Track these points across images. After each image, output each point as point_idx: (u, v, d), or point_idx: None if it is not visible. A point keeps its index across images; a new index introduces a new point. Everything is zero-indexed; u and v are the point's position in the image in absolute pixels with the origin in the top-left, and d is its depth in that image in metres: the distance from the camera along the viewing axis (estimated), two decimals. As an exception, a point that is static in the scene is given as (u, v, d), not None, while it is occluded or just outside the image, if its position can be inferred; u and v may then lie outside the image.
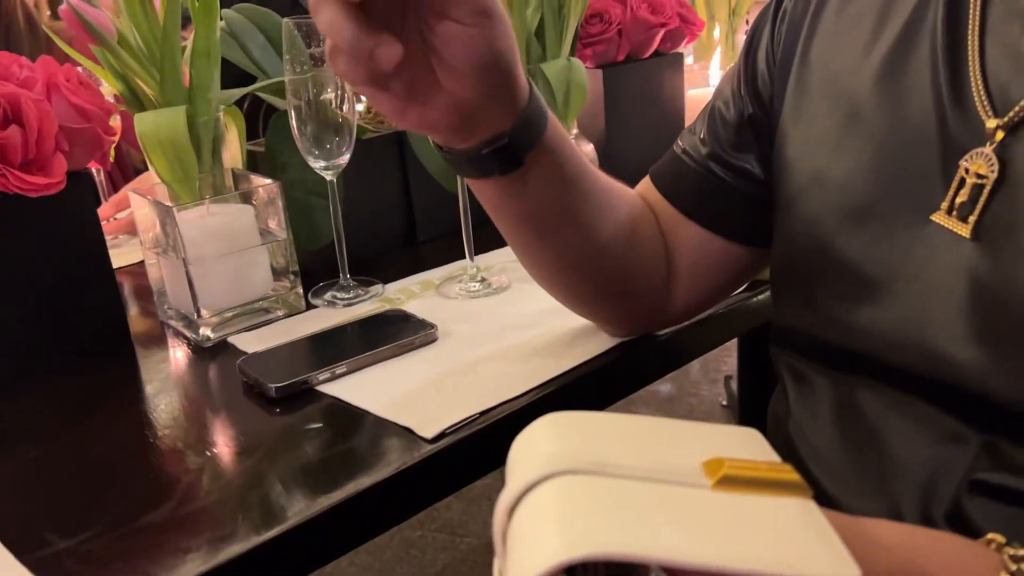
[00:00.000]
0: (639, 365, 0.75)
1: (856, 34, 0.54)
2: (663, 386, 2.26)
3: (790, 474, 0.30)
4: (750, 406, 1.59)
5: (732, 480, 0.29)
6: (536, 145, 0.55)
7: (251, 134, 0.99)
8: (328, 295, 0.85)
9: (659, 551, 0.26)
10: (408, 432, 0.61)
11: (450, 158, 0.56)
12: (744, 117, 0.62)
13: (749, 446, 0.33)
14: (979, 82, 0.47)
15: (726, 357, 2.27)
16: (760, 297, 0.83)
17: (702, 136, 0.64)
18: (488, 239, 0.93)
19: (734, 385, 2.15)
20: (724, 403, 2.16)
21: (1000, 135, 0.45)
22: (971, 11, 0.48)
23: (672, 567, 0.26)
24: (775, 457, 0.32)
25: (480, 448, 0.61)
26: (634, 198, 0.67)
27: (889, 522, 0.36)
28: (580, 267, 0.64)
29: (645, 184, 0.69)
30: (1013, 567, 0.34)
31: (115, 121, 0.86)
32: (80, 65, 0.86)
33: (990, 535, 0.36)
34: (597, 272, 0.64)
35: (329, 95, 0.78)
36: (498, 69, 0.50)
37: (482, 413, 0.63)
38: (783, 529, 0.28)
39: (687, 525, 0.28)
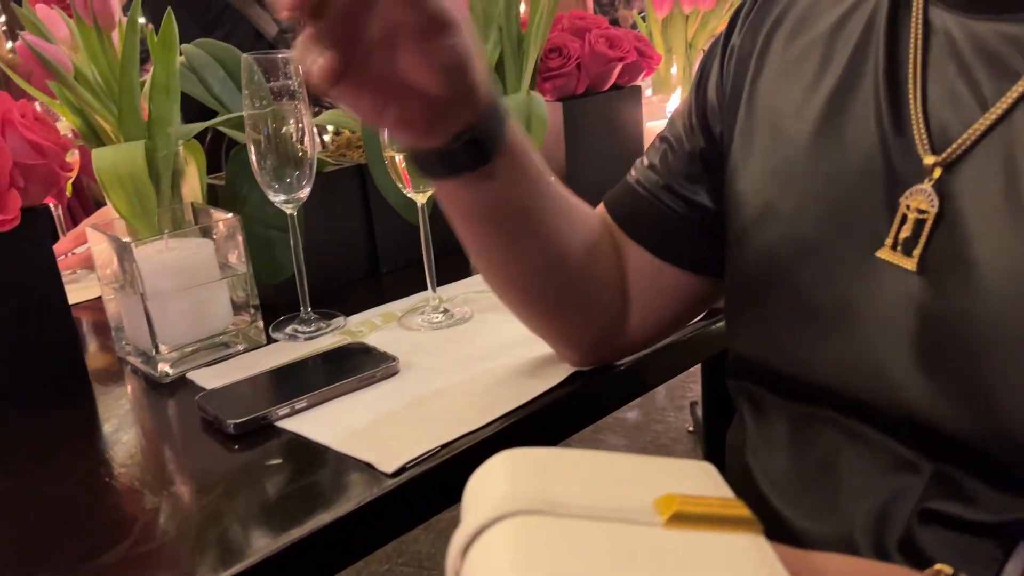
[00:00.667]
0: (602, 393, 0.75)
1: (802, 72, 0.56)
2: (630, 413, 2.26)
3: (740, 510, 0.31)
4: (714, 432, 1.60)
5: (683, 517, 0.30)
6: (502, 139, 0.56)
7: (215, 167, 0.99)
8: (289, 329, 0.85)
9: None
10: (369, 467, 0.61)
11: (422, 159, 0.57)
12: (695, 149, 0.63)
13: (702, 480, 0.33)
14: (920, 120, 0.48)
15: (691, 383, 2.28)
16: (720, 324, 0.84)
17: (654, 166, 0.66)
18: (450, 270, 0.93)
19: (699, 411, 2.17)
20: (690, 429, 2.17)
21: (938, 172, 0.47)
22: (911, 51, 0.50)
23: None
24: (728, 492, 0.33)
25: (442, 481, 0.61)
26: (595, 216, 0.68)
27: (838, 555, 0.37)
28: (541, 276, 0.65)
29: (599, 212, 0.70)
30: None
31: (72, 156, 0.85)
32: (37, 100, 0.86)
33: (938, 566, 0.36)
34: (557, 284, 0.65)
35: (289, 129, 0.79)
36: (464, 70, 0.51)
37: (444, 446, 0.63)
38: (731, 566, 0.29)
39: (636, 566, 0.28)
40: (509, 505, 0.30)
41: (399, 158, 0.79)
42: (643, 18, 1.37)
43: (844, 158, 0.51)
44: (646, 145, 1.18)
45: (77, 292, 1.02)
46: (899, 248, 0.48)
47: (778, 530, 0.52)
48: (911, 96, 0.49)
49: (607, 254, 0.67)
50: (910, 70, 0.49)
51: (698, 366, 1.46)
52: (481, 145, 0.56)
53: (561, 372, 0.72)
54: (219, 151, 1.30)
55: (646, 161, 0.67)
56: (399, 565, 1.78)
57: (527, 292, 0.67)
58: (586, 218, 0.66)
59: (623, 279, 0.67)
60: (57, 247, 1.10)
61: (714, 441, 1.61)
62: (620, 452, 0.35)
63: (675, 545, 0.29)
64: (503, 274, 0.67)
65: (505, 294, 0.69)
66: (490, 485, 0.32)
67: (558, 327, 0.70)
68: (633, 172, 0.68)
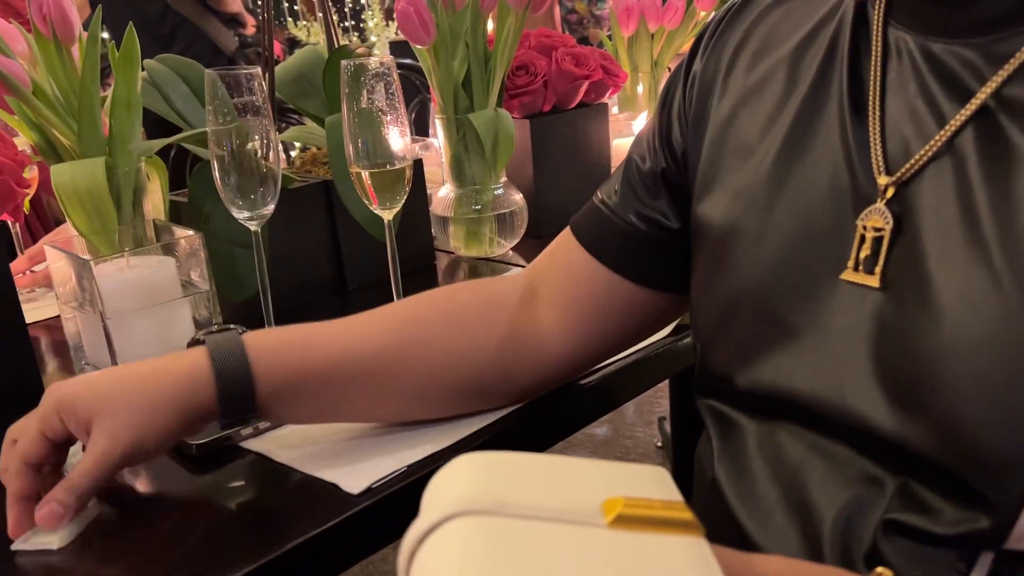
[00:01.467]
0: (571, 410, 0.75)
1: (766, 93, 0.56)
2: (599, 429, 2.26)
3: (684, 512, 0.32)
4: (682, 446, 1.60)
5: (627, 519, 0.30)
6: (254, 396, 0.59)
7: (179, 184, 0.98)
8: (254, 347, 0.84)
9: None
10: (335, 488, 0.60)
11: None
12: (658, 170, 0.63)
13: (653, 484, 0.34)
14: (877, 139, 0.49)
15: (659, 399, 2.29)
16: (687, 340, 0.84)
17: (618, 187, 0.66)
18: (417, 287, 0.92)
19: (667, 426, 2.18)
20: (659, 444, 2.18)
21: (891, 191, 0.48)
22: (872, 71, 0.51)
23: None
24: (676, 496, 0.33)
25: (409, 501, 0.60)
26: (408, 320, 0.66)
27: (776, 557, 0.37)
28: (439, 404, 0.67)
29: (565, 234, 0.69)
30: None
31: (30, 173, 0.84)
32: (-7, 116, 0.84)
33: (880, 568, 0.36)
34: (466, 394, 0.67)
35: (254, 145, 0.78)
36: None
37: (410, 466, 0.62)
38: (670, 566, 0.29)
39: (578, 566, 0.29)
40: (460, 506, 0.31)
41: (365, 174, 0.79)
42: (610, 37, 1.38)
43: (809, 179, 0.52)
44: (613, 162, 1.19)
45: (35, 311, 1.00)
46: (861, 268, 0.48)
47: (745, 545, 0.52)
48: (871, 116, 0.50)
49: (455, 332, 0.66)
50: (871, 90, 0.50)
51: (666, 381, 1.47)
52: (240, 416, 0.59)
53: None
54: (183, 167, 1.28)
55: (611, 182, 0.68)
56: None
57: (450, 400, 0.67)
58: (402, 317, 0.66)
59: (569, 300, 0.67)
60: (14, 265, 1.08)
61: (682, 456, 1.61)
62: (583, 457, 0.35)
63: (617, 545, 0.30)
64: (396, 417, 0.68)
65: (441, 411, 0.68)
66: (448, 485, 0.33)
67: (488, 396, 0.69)
68: (599, 193, 0.68)
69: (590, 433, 2.24)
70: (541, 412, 0.70)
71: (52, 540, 0.54)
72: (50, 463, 0.58)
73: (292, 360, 0.60)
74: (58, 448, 0.58)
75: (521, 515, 0.30)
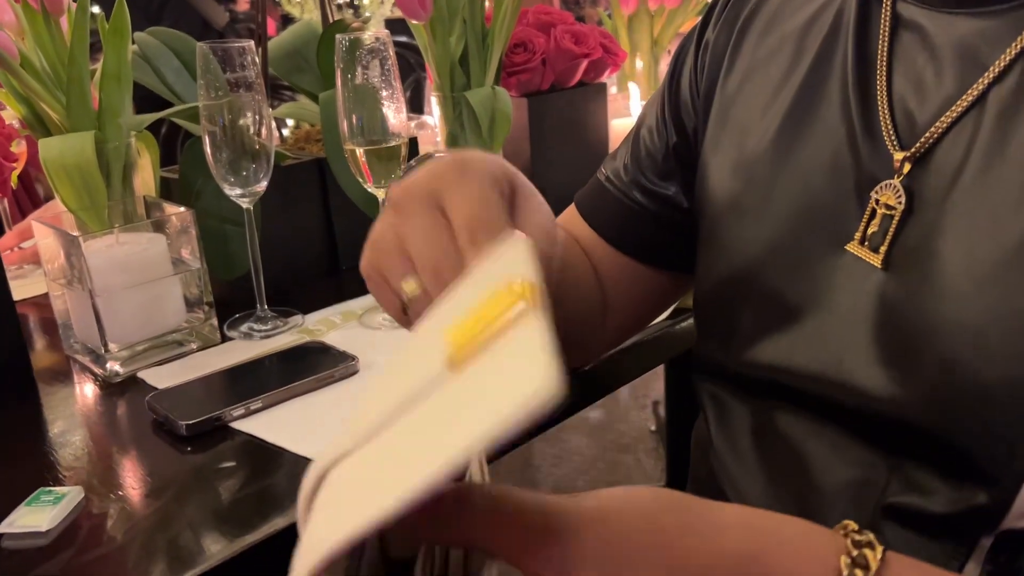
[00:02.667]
0: (568, 393, 0.74)
1: (771, 68, 0.55)
2: (593, 413, 2.26)
3: (515, 297, 0.31)
4: (677, 431, 1.60)
5: (460, 359, 0.30)
6: None
7: (170, 160, 0.96)
8: (245, 327, 0.82)
9: (361, 526, 0.27)
10: (327, 469, 0.59)
11: None
12: (668, 146, 0.62)
13: (509, 270, 0.33)
14: (887, 114, 0.48)
15: (654, 383, 2.28)
16: (684, 324, 0.83)
17: (625, 163, 0.64)
18: (412, 268, 0.92)
19: (661, 410, 2.17)
20: (652, 428, 2.17)
21: (908, 167, 0.46)
22: (880, 45, 0.49)
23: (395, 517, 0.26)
24: (530, 270, 0.32)
25: (402, 483, 0.60)
26: (564, 245, 0.63)
27: (738, 506, 0.36)
28: None
29: (570, 211, 0.68)
30: (855, 552, 0.34)
31: (18, 147, 0.82)
32: (-20, 88, 0.82)
33: (846, 521, 0.36)
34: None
35: (246, 121, 0.76)
36: None
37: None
38: (491, 388, 0.28)
39: (398, 467, 0.29)
40: (334, 451, 0.32)
41: (360, 152, 0.77)
42: (609, 16, 1.36)
43: (811, 154, 0.51)
44: (611, 142, 1.17)
45: (23, 288, 0.99)
46: (867, 243, 0.47)
47: None
48: (879, 90, 0.49)
49: (584, 274, 0.64)
50: (878, 63, 0.49)
51: (661, 366, 1.46)
52: None
53: (525, 372, 0.71)
54: (174, 143, 1.26)
55: (617, 158, 0.66)
56: (359, 567, 1.75)
57: None
58: (565, 257, 0.61)
59: (601, 287, 0.66)
60: (2, 241, 1.06)
61: (677, 440, 1.61)
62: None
63: (457, 387, 0.30)
64: None
65: None
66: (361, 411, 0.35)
67: None
68: (603, 169, 0.67)
69: (584, 417, 2.24)
70: (537, 395, 0.69)
71: (40, 523, 0.53)
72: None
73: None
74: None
75: (367, 434, 0.32)
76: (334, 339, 0.78)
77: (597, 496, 0.33)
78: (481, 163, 0.43)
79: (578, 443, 2.14)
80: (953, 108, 0.45)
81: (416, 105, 1.80)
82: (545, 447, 2.10)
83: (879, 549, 0.34)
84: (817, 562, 0.34)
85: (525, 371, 0.27)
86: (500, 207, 0.42)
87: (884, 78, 0.49)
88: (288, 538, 0.54)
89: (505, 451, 0.69)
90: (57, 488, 0.57)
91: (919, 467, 0.45)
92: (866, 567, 0.33)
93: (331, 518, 0.30)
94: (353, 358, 0.72)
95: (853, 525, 0.35)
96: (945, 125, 0.46)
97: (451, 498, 0.32)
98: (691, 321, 0.83)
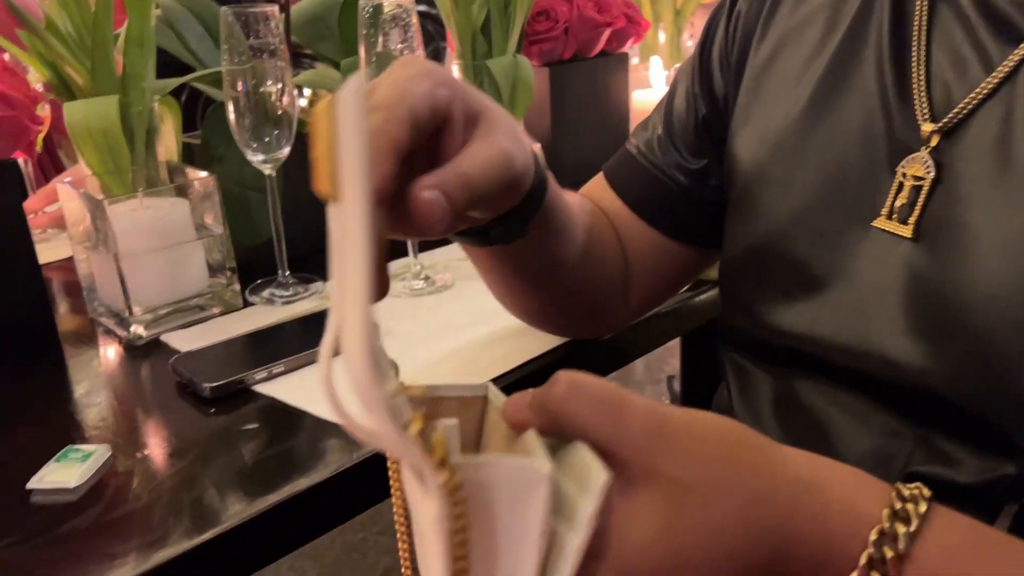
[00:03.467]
0: (583, 364, 0.74)
1: (805, 36, 0.54)
2: (607, 385, 2.27)
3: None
4: (694, 403, 1.60)
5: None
6: (538, 211, 0.51)
7: (189, 126, 0.96)
8: (266, 292, 0.83)
9: None
10: (347, 433, 0.59)
11: (455, 235, 0.52)
12: (699, 119, 0.62)
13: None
14: (921, 86, 0.48)
15: (668, 358, 2.28)
16: (703, 296, 0.83)
17: (658, 135, 0.64)
18: (432, 236, 0.92)
19: (676, 385, 2.18)
20: (667, 402, 2.18)
21: (936, 139, 0.46)
22: (916, 15, 0.49)
23: None
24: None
25: (422, 448, 0.60)
26: (592, 214, 0.64)
27: (799, 451, 0.37)
28: (550, 298, 0.62)
29: (597, 182, 0.68)
30: (898, 505, 0.35)
31: (43, 110, 0.82)
32: (5, 51, 0.82)
33: (898, 483, 0.36)
34: (561, 295, 0.62)
35: (269, 87, 0.76)
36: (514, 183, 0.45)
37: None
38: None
39: None
40: None
41: (382, 119, 0.77)
42: (631, -15, 1.35)
43: (842, 123, 0.51)
44: (632, 113, 1.17)
45: (47, 252, 1.00)
46: (895, 216, 0.47)
47: None
48: (914, 62, 0.48)
49: (610, 244, 0.64)
50: (914, 35, 0.49)
51: (676, 340, 1.46)
52: (518, 224, 0.50)
53: (544, 341, 0.71)
54: (195, 109, 1.26)
55: (648, 128, 0.65)
56: (374, 534, 1.78)
57: (533, 308, 0.65)
58: (586, 222, 0.61)
59: (625, 260, 0.66)
60: (26, 205, 1.07)
61: (691, 413, 1.61)
62: None
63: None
64: (520, 303, 0.65)
65: (509, 308, 0.67)
66: None
67: (557, 322, 0.68)
68: (633, 140, 0.66)
69: (598, 388, 2.24)
70: (553, 366, 0.70)
71: (68, 479, 0.54)
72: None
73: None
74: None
75: None
76: (354, 306, 0.79)
77: (683, 410, 0.35)
78: (437, 74, 0.40)
79: (592, 415, 2.15)
80: (987, 81, 0.45)
81: (435, 74, 1.78)
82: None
83: (922, 505, 0.35)
84: (871, 501, 0.35)
85: None
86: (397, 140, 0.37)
87: (921, 50, 0.48)
88: (310, 499, 0.55)
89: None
90: (84, 446, 0.58)
91: (946, 437, 0.45)
92: (907, 520, 0.34)
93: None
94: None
95: (905, 486, 0.36)
96: (981, 96, 0.45)
97: (565, 380, 0.33)
98: (709, 294, 0.83)
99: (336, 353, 0.29)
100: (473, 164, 0.40)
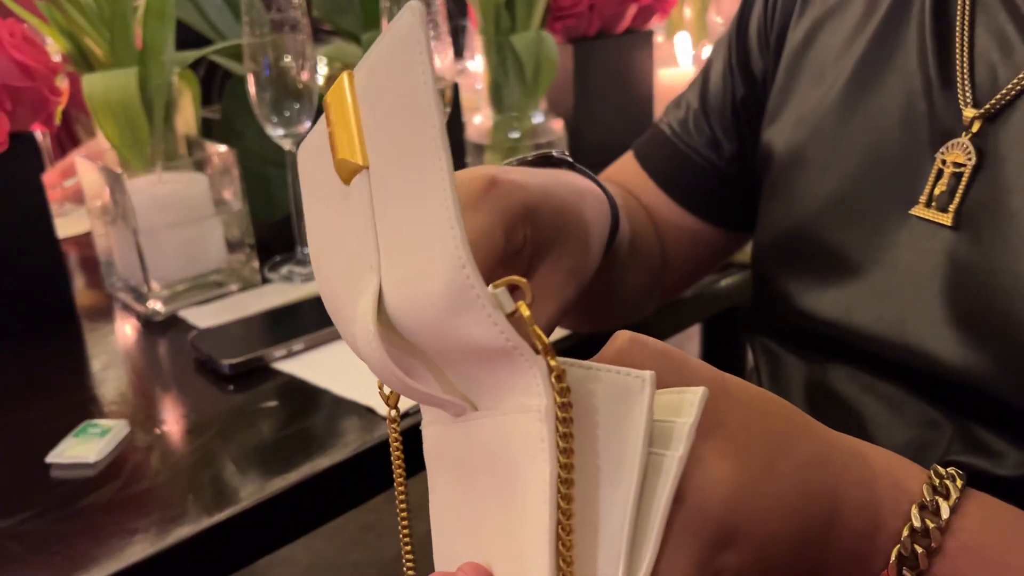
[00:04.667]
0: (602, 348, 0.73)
1: (847, 14, 0.53)
2: (623, 369, 2.25)
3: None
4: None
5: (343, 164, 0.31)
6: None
7: (207, 100, 0.95)
8: (285, 269, 0.82)
9: None
10: (368, 411, 0.59)
11: None
12: (736, 99, 0.60)
13: None
14: (965, 70, 0.46)
15: (687, 343, 2.27)
16: (727, 281, 0.82)
17: (694, 113, 0.62)
18: (452, 215, 0.91)
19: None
20: (683, 387, 2.17)
21: (977, 125, 0.45)
22: None
23: None
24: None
25: (443, 429, 0.59)
26: (632, 213, 0.59)
27: (838, 433, 0.36)
28: (594, 308, 0.59)
29: (627, 161, 0.66)
30: (936, 481, 0.35)
31: (62, 82, 0.81)
32: (25, 22, 0.81)
33: (951, 470, 0.36)
34: (605, 304, 0.59)
35: (289, 61, 0.75)
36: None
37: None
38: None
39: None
40: None
41: (404, 94, 0.76)
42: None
43: (883, 104, 0.49)
44: (656, 92, 1.15)
45: (65, 226, 0.99)
46: (934, 204, 0.46)
47: None
48: (958, 43, 0.46)
49: (650, 240, 0.61)
50: (958, 15, 0.47)
51: (695, 326, 1.45)
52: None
53: (564, 322, 0.70)
54: (211, 83, 1.25)
55: (681, 107, 0.63)
56: (389, 514, 1.78)
57: (577, 316, 0.61)
58: (635, 230, 0.58)
59: (663, 250, 0.63)
60: (44, 178, 1.06)
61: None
62: None
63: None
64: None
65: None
66: None
67: (595, 321, 0.65)
68: (665, 118, 0.64)
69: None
70: (571, 351, 0.69)
71: (88, 454, 0.54)
72: None
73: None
74: None
75: None
76: (374, 284, 0.78)
77: (738, 379, 0.34)
78: (506, 188, 0.39)
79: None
80: None
81: (455, 51, 1.77)
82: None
83: (959, 481, 0.35)
84: (912, 477, 0.35)
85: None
86: (497, 247, 0.38)
87: (965, 32, 0.46)
88: (329, 477, 0.54)
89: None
90: (103, 421, 0.58)
91: (986, 428, 0.44)
92: (947, 495, 0.35)
93: None
94: (394, 303, 0.72)
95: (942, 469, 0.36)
96: (1021, 85, 0.43)
97: (626, 336, 0.33)
98: (734, 279, 0.82)
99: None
100: (545, 302, 0.41)
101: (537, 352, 0.28)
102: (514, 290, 0.28)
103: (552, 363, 0.28)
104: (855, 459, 0.35)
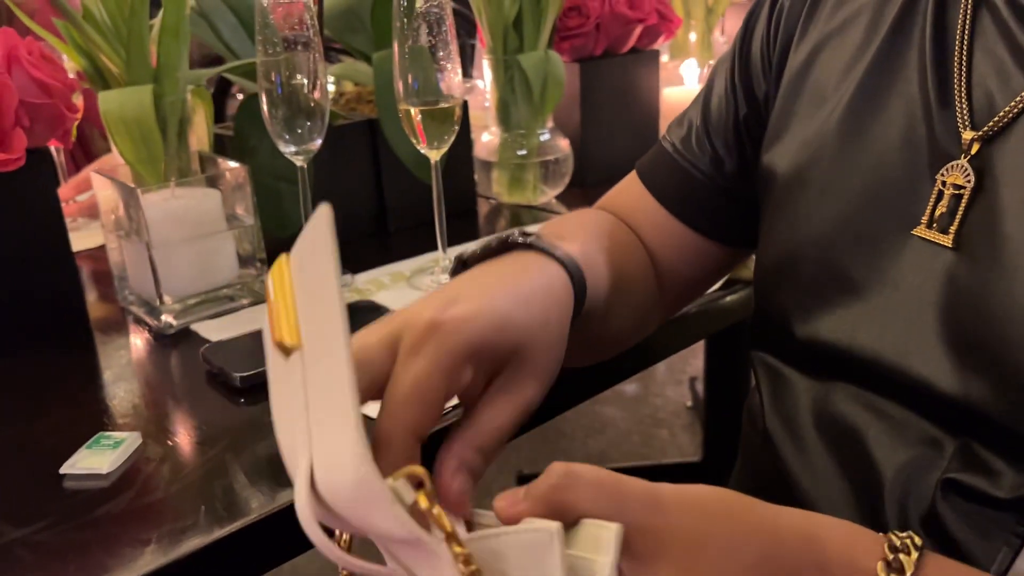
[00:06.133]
0: (608, 364, 0.73)
1: (847, 38, 0.53)
2: (629, 386, 2.26)
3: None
4: (716, 407, 1.59)
5: (282, 342, 0.34)
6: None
7: (219, 117, 0.97)
8: (296, 284, 0.83)
9: None
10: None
11: None
12: (738, 117, 0.60)
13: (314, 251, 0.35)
14: (963, 93, 0.47)
15: (691, 359, 2.27)
16: (731, 298, 0.82)
17: (695, 131, 0.63)
18: (462, 230, 0.92)
19: (699, 387, 2.17)
20: (689, 404, 2.17)
21: (976, 147, 0.45)
22: (960, 20, 0.48)
23: None
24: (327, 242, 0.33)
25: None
26: (623, 254, 0.59)
27: (792, 510, 0.37)
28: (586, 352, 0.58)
29: (631, 180, 0.67)
30: (890, 556, 0.35)
31: (78, 98, 0.83)
32: (43, 40, 0.83)
33: (891, 532, 0.37)
34: (597, 347, 0.60)
35: (301, 79, 0.77)
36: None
37: (454, 407, 0.61)
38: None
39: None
40: None
41: (415, 112, 0.77)
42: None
43: (884, 129, 0.50)
44: (662, 111, 1.16)
45: (79, 240, 1.00)
46: (935, 225, 0.46)
47: (800, 503, 0.51)
48: (956, 67, 0.47)
49: (642, 273, 0.62)
50: (956, 40, 0.48)
51: (700, 342, 1.45)
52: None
53: (573, 337, 0.70)
54: (223, 101, 1.27)
55: (683, 125, 0.64)
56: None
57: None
58: (623, 268, 0.58)
59: (657, 275, 0.64)
60: (59, 193, 1.08)
61: (715, 417, 1.60)
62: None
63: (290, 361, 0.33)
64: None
65: None
66: None
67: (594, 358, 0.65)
68: (668, 136, 0.65)
69: (619, 390, 2.24)
70: (576, 368, 0.69)
71: (101, 465, 0.55)
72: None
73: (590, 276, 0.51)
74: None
75: None
76: (383, 299, 0.79)
77: (672, 485, 0.35)
78: (449, 329, 0.39)
79: (612, 415, 2.14)
80: None
81: (463, 70, 1.79)
82: (579, 418, 2.10)
83: (913, 555, 0.35)
84: (867, 555, 0.35)
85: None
86: (435, 395, 0.38)
87: (963, 56, 0.47)
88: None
89: (536, 423, 0.69)
90: (116, 433, 0.59)
91: (984, 448, 0.44)
92: (901, 571, 0.35)
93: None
94: (402, 318, 0.72)
95: (899, 534, 0.36)
96: (1019, 108, 0.44)
97: (559, 470, 0.34)
98: (738, 295, 0.82)
99: (313, 487, 0.31)
100: (493, 425, 0.41)
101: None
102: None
103: (457, 550, 0.30)
104: (808, 544, 0.35)
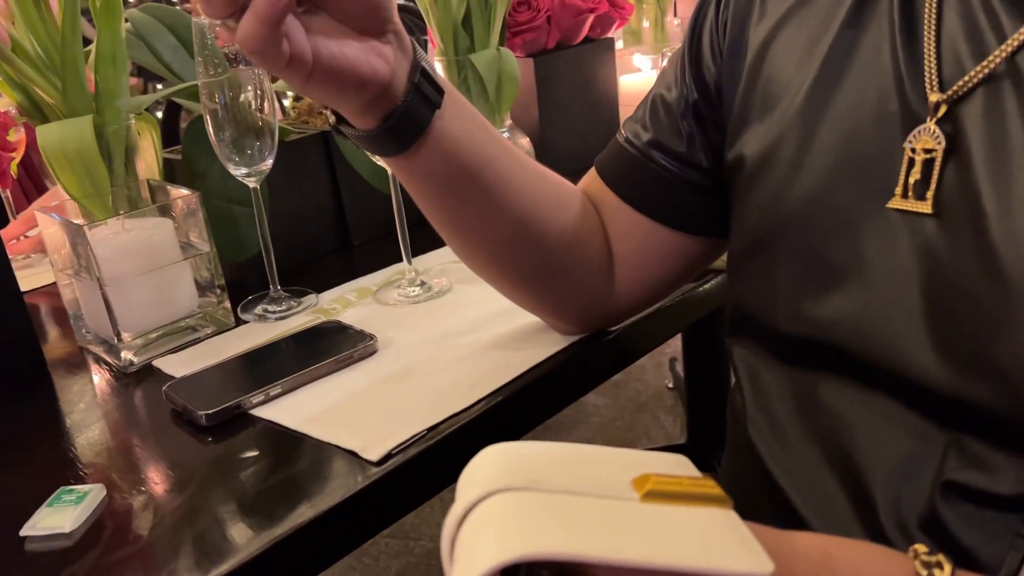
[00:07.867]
0: (589, 364, 0.72)
1: (810, 13, 0.52)
2: (609, 372, 2.25)
3: (713, 488, 0.33)
4: (697, 389, 1.58)
5: (658, 494, 0.32)
6: (430, 115, 0.54)
7: (172, 140, 0.94)
8: (258, 309, 0.81)
9: (587, 550, 0.28)
10: (352, 455, 0.57)
11: (360, 142, 0.56)
12: (688, 104, 0.59)
13: (676, 467, 0.35)
14: (932, 56, 0.45)
15: (669, 349, 2.27)
16: (706, 286, 0.81)
17: (644, 124, 0.62)
18: (425, 240, 0.89)
19: (679, 367, 2.16)
20: (670, 385, 2.17)
21: (943, 109, 0.44)
22: None
23: (599, 564, 0.28)
24: (701, 476, 0.34)
25: (430, 466, 0.58)
26: (570, 189, 0.65)
27: (808, 533, 0.36)
28: (508, 243, 0.62)
29: (591, 176, 0.66)
30: (924, 572, 0.34)
31: (16, 135, 0.80)
32: (-28, 76, 0.80)
33: (916, 545, 0.36)
34: (529, 251, 0.62)
35: (247, 96, 0.74)
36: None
37: (430, 429, 0.59)
38: (704, 532, 0.31)
39: (614, 529, 0.30)
40: (494, 484, 0.32)
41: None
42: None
43: (852, 103, 0.48)
44: (621, 100, 1.14)
45: (32, 278, 0.97)
46: (911, 194, 0.45)
47: (786, 511, 0.50)
48: (925, 30, 0.46)
49: (588, 217, 0.64)
50: (926, 5, 0.46)
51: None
52: (411, 125, 0.54)
53: (547, 344, 0.69)
54: (175, 123, 1.24)
55: (636, 118, 0.63)
56: (383, 537, 1.76)
57: (498, 262, 0.64)
58: (552, 179, 0.63)
59: (608, 243, 0.64)
60: (6, 231, 1.04)
61: (697, 399, 1.59)
62: (600, 445, 0.37)
63: (651, 516, 0.31)
64: (469, 245, 0.63)
65: (476, 266, 0.66)
66: (478, 472, 0.34)
67: (540, 297, 0.67)
68: (622, 131, 0.64)
69: (600, 376, 2.23)
70: (559, 368, 0.68)
71: (63, 524, 0.52)
72: None
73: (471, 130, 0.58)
74: None
75: (556, 490, 0.32)
76: (350, 317, 0.77)
77: None
78: None
79: (595, 403, 2.13)
80: (1000, 49, 0.43)
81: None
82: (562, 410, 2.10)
83: (947, 568, 0.34)
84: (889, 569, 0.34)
85: (736, 545, 0.30)
86: None
87: (934, 17, 0.46)
88: (315, 529, 0.53)
89: (525, 429, 0.68)
90: (78, 487, 0.56)
91: (979, 443, 0.43)
92: None
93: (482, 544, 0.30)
94: (371, 337, 0.70)
95: (923, 548, 0.35)
96: (991, 66, 0.43)
97: None
98: (712, 283, 0.81)
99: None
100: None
101: None
102: None
103: None
104: (823, 561, 0.34)
